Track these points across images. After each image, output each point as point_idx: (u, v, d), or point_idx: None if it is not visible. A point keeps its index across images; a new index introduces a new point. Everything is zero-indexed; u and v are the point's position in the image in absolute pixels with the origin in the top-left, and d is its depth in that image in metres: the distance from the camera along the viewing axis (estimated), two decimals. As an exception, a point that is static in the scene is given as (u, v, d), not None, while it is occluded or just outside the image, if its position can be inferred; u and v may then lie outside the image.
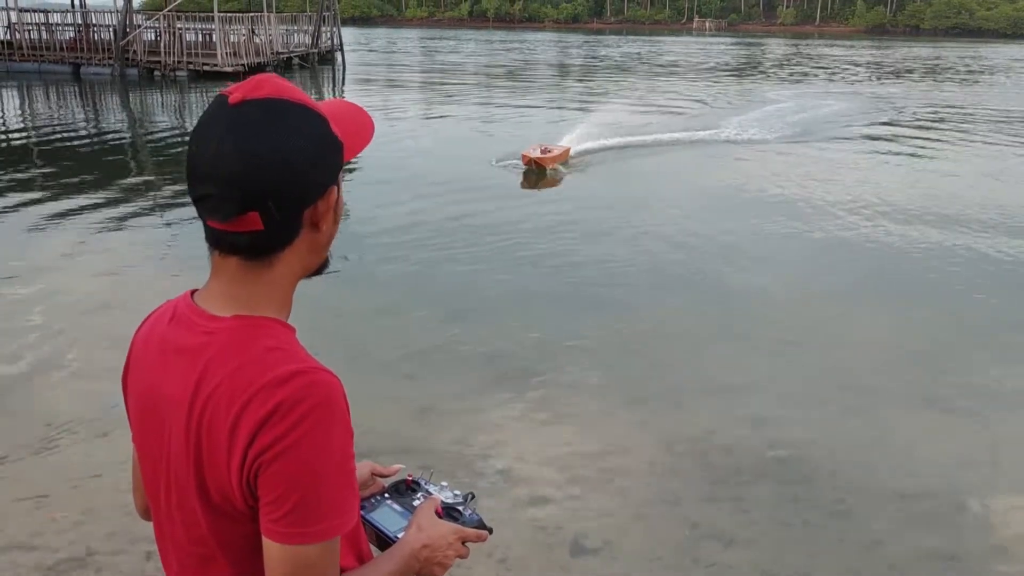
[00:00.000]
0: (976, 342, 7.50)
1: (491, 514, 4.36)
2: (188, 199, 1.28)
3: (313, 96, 1.34)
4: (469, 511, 1.63)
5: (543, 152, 13.84)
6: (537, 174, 13.66)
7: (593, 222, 11.01)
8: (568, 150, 14.75)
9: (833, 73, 41.14)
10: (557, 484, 4.94)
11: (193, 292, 1.36)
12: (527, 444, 5.40)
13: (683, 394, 6.24)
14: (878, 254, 9.93)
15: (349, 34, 50.31)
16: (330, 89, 30.55)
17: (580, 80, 36.07)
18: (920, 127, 21.53)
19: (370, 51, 52.78)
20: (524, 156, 13.87)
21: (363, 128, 1.39)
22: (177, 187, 12.53)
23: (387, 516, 1.59)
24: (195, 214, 1.27)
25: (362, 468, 1.67)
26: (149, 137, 18.50)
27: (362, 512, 1.56)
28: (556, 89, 31.70)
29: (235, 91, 1.24)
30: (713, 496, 4.90)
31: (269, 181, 1.20)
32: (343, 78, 34.66)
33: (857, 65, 47.49)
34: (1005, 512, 4.84)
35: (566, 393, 6.16)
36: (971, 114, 24.42)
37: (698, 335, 7.55)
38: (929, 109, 25.55)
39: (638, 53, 55.76)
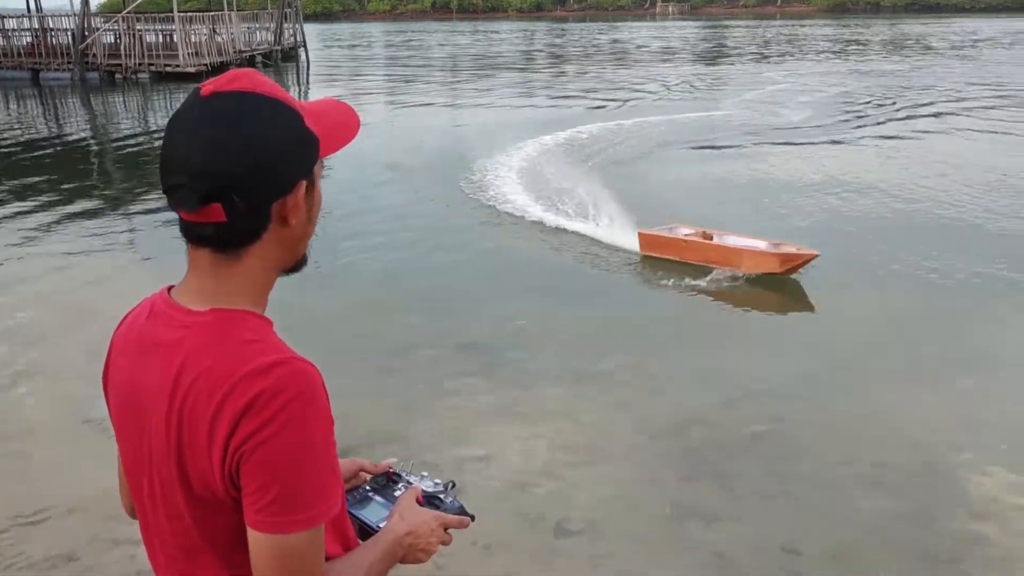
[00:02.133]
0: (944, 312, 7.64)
1: (474, 502, 4.38)
2: (159, 203, 1.28)
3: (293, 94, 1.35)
4: (450, 499, 1.66)
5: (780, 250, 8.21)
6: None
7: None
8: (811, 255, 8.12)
9: (833, 52, 41.32)
10: (539, 470, 4.97)
11: (170, 288, 1.36)
12: (508, 432, 5.43)
13: (661, 376, 6.31)
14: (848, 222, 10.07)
15: (312, 30, 49.93)
16: (295, 87, 30.31)
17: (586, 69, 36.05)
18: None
19: (334, 47, 52.43)
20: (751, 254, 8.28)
21: (345, 125, 1.39)
22: (144, 190, 12.39)
23: (369, 508, 1.61)
24: (167, 217, 1.27)
25: (349, 464, 1.68)
26: (113, 141, 18.26)
27: (345, 506, 1.58)
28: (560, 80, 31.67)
29: (209, 84, 1.26)
30: (694, 474, 4.96)
31: (233, 173, 1.21)
32: (307, 75, 34.41)
33: (850, 43, 47.85)
34: (983, 479, 4.93)
35: (545, 381, 6.19)
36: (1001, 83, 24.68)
37: (673, 318, 7.63)
38: (965, 85, 25.77)
39: (617, 40, 55.78)
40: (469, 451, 5.17)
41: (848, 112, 19.90)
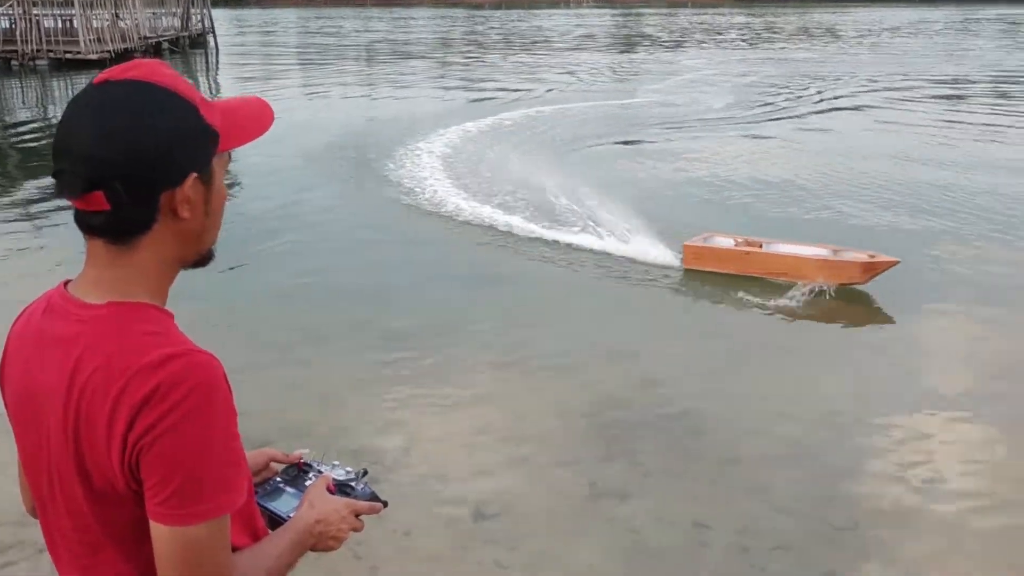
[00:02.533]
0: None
1: (393, 490, 4.42)
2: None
3: (201, 88, 1.34)
4: (361, 485, 1.67)
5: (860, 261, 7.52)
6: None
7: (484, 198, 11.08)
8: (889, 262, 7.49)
9: (747, 41, 42.16)
10: (458, 456, 5.03)
11: (67, 282, 1.35)
12: (426, 420, 5.47)
13: (576, 361, 6.40)
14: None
15: (221, 16, 48.56)
16: (204, 75, 29.50)
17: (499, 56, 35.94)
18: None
19: (246, 33, 51.14)
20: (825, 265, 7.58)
21: (255, 120, 1.39)
22: (42, 183, 11.92)
23: (281, 500, 1.61)
24: (66, 211, 1.27)
25: (258, 455, 1.68)
26: (8, 131, 17.46)
27: (255, 498, 1.58)
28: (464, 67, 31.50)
29: (105, 72, 1.27)
30: (609, 455, 5.08)
31: (113, 160, 1.21)
32: (216, 62, 33.49)
33: (763, 31, 48.98)
34: (879, 448, 5.20)
35: (464, 368, 6.25)
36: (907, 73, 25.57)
37: (587, 304, 7.76)
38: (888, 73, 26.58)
39: (536, 27, 55.82)
40: (389, 440, 5.19)
41: (768, 100, 20.39)
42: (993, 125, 17.15)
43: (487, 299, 7.65)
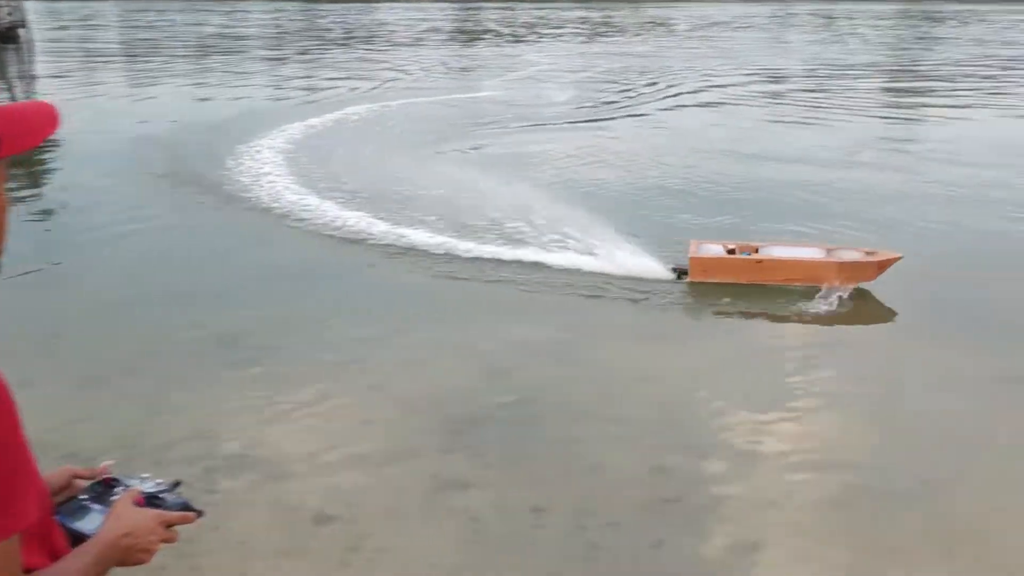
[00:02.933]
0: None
1: (229, 498, 4.37)
2: None
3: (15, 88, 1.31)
4: (173, 496, 1.65)
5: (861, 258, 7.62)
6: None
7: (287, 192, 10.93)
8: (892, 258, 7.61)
9: (586, 35, 42.99)
10: (296, 459, 4.96)
11: None
12: (262, 424, 5.35)
13: (416, 356, 6.44)
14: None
15: (34, 8, 45.29)
16: (14, 68, 27.44)
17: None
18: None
19: (69, 27, 47.90)
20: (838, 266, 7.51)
21: (34, 127, 1.35)
22: None
23: (87, 518, 1.57)
24: None
25: (59, 474, 1.63)
26: None
27: (58, 517, 1.53)
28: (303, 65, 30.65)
29: None
30: (450, 447, 5.17)
31: None
32: (30, 58, 31.21)
33: (600, 25, 50.17)
34: (712, 424, 5.53)
35: (300, 370, 6.13)
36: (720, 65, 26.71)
37: (426, 301, 7.82)
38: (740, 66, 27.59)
39: (376, 21, 55.05)
40: (223, 447, 5.05)
41: (611, 94, 20.91)
42: (808, 116, 18.39)
43: (323, 297, 7.56)
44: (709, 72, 25.74)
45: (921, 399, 5.89)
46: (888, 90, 23.73)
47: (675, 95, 20.47)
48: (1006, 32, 46.41)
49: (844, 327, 7.17)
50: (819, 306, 7.27)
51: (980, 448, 5.28)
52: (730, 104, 19.82)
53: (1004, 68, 28.22)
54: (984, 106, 19.70)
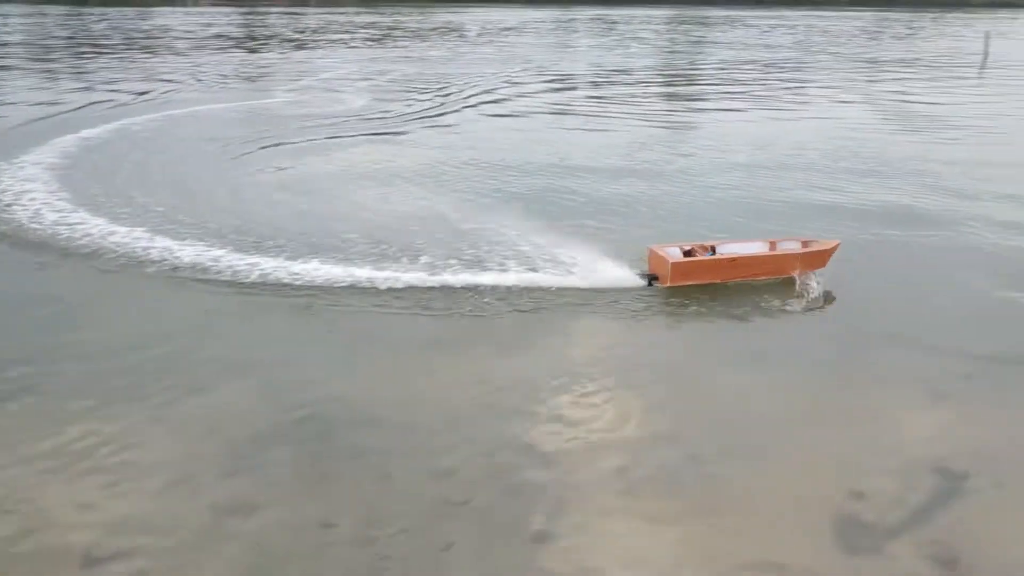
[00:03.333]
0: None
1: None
2: None
3: None
4: None
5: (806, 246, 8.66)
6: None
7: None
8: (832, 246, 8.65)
9: (376, 40, 42.33)
10: (60, 500, 4.61)
11: None
12: (22, 464, 4.94)
13: (198, 379, 6.17)
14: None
15: None
16: None
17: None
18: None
19: None
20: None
21: None
22: None
23: None
24: None
25: None
26: None
27: None
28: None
29: None
30: (233, 470, 4.98)
31: None
32: None
33: (390, 30, 49.71)
34: (496, 426, 5.65)
35: (63, 402, 5.72)
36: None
37: (219, 319, 7.51)
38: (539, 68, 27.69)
39: (152, 27, 51.82)
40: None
41: (412, 97, 20.96)
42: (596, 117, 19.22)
43: (88, 328, 7.08)
44: (507, 77, 26.30)
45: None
46: (665, 95, 25.17)
47: (475, 104, 20.63)
48: (767, 36, 50.61)
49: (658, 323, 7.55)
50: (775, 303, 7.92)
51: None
52: (523, 112, 20.34)
53: (765, 71, 30.65)
54: (751, 109, 21.20)
